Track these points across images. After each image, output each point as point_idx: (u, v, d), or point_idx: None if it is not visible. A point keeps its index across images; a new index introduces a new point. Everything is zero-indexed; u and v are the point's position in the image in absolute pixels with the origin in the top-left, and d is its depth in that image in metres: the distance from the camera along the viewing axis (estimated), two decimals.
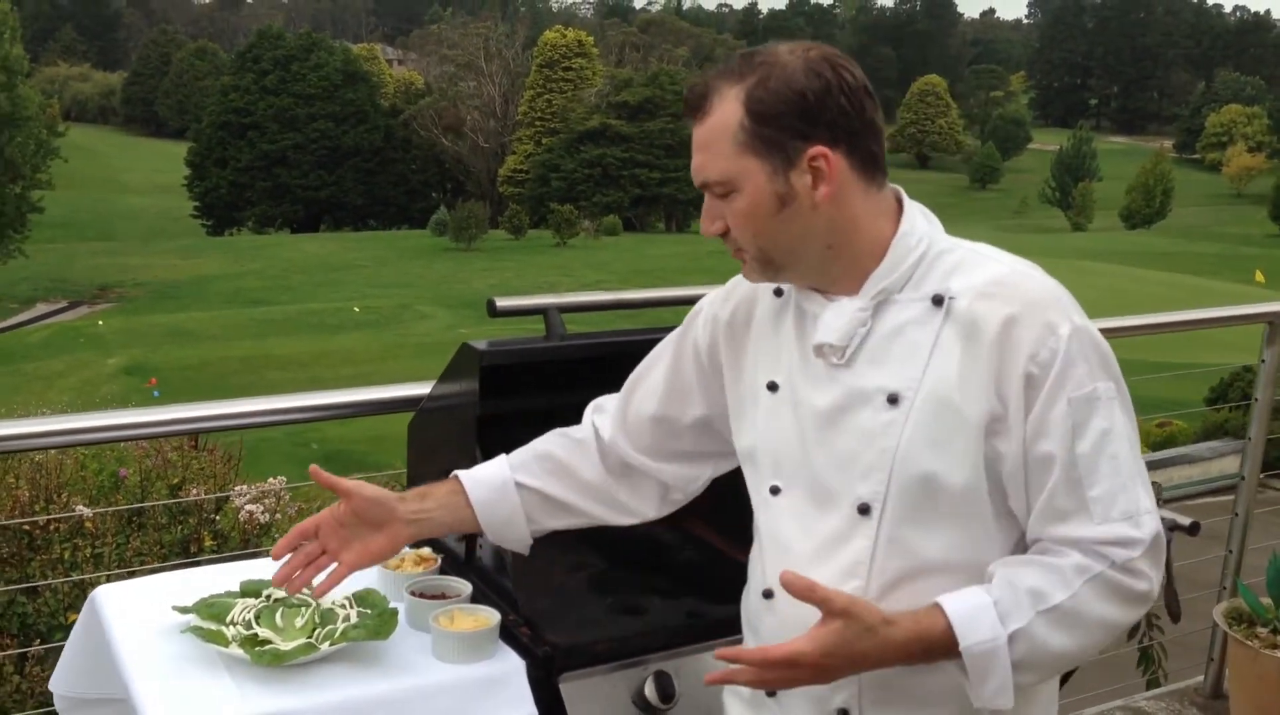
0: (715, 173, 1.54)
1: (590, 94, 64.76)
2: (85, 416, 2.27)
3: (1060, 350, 1.47)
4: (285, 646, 1.72)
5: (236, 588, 1.91)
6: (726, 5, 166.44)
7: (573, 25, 78.69)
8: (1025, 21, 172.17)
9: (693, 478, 1.85)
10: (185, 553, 4.48)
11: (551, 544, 2.13)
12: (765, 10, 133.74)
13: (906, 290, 1.55)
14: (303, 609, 1.81)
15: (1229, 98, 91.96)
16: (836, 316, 1.57)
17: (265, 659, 1.70)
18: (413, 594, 1.89)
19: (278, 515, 4.48)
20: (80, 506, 4.20)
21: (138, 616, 1.88)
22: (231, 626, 1.78)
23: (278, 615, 1.79)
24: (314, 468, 1.72)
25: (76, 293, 42.88)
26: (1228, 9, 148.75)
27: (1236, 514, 3.58)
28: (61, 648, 3.25)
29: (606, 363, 2.08)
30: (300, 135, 65.14)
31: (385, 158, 67.32)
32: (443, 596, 1.90)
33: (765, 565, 1.67)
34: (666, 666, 1.88)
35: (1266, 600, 3.46)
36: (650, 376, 1.84)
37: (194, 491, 4.62)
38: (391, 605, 1.86)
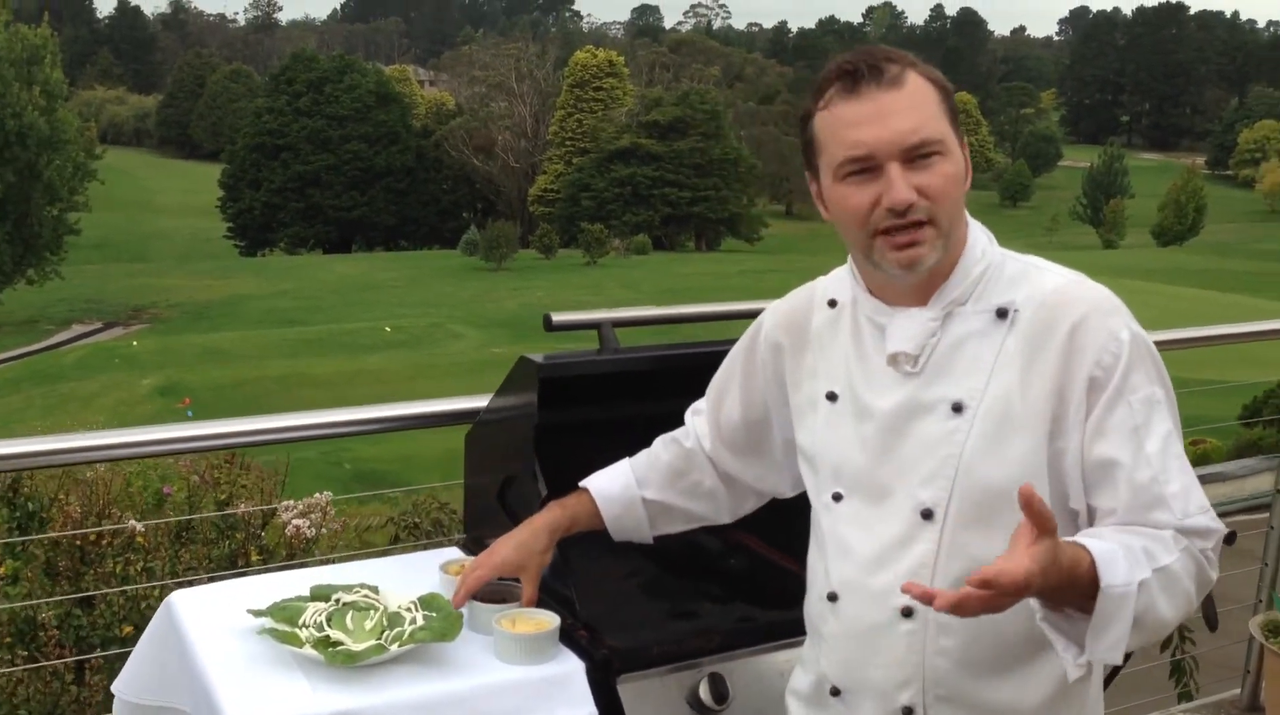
0: (935, 130, 1.57)
1: (621, 113, 65.05)
2: (137, 431, 2.35)
3: (1123, 355, 1.54)
4: (357, 647, 1.80)
5: (305, 592, 1.99)
6: (756, 24, 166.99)
7: (603, 45, 79.19)
8: (1056, 39, 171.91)
9: (780, 481, 1.94)
10: (233, 566, 4.57)
11: (607, 551, 2.21)
12: (795, 29, 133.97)
13: (970, 302, 1.62)
14: (371, 612, 1.89)
15: (1262, 113, 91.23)
16: (909, 325, 1.63)
17: (339, 659, 1.77)
18: (474, 597, 1.97)
19: (323, 529, 4.57)
20: (132, 520, 4.30)
21: (213, 619, 1.96)
22: (304, 629, 1.85)
23: (348, 618, 1.87)
24: (456, 600, 1.92)
25: (111, 314, 43.37)
26: (1261, 24, 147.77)
27: (1272, 528, 3.61)
28: (118, 657, 3.35)
29: (660, 375, 2.16)
30: (333, 156, 65.71)
31: (417, 178, 67.80)
32: (502, 600, 1.97)
33: (828, 568, 1.73)
34: (720, 668, 1.95)
35: None
36: (730, 391, 1.92)
37: (241, 507, 4.72)
38: (458, 609, 1.93)
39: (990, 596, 1.34)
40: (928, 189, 1.56)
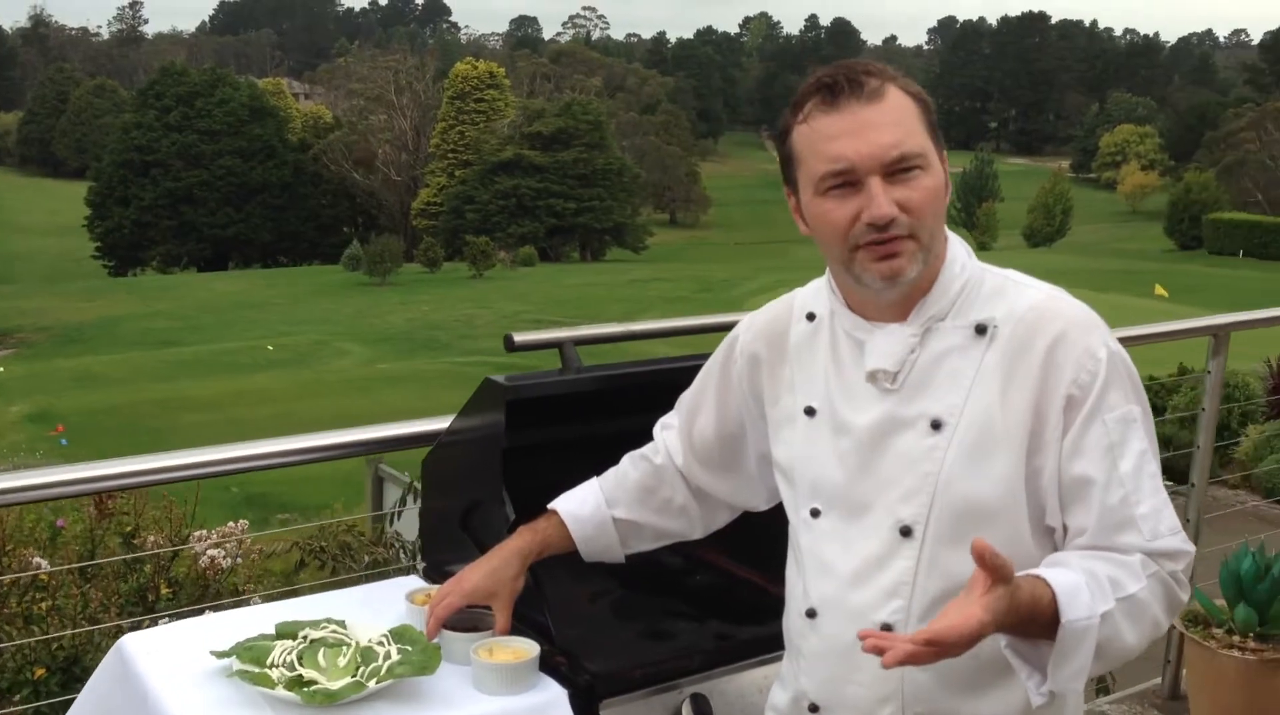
0: (915, 144, 1.56)
1: (503, 125, 64.76)
2: (95, 465, 2.24)
3: (1100, 373, 1.55)
4: (334, 686, 1.73)
5: (265, 630, 1.91)
6: (635, 35, 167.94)
7: (483, 57, 78.73)
8: (926, 48, 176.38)
9: (754, 495, 1.93)
10: (143, 602, 4.39)
11: (572, 573, 2.17)
12: (674, 39, 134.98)
13: (950, 318, 1.62)
14: (343, 648, 1.82)
15: (1121, 118, 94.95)
16: (888, 342, 1.62)
17: (317, 699, 1.71)
18: (444, 627, 1.91)
19: (239, 559, 4.41)
20: (37, 559, 4.10)
21: (171, 662, 1.87)
22: (274, 669, 1.78)
23: (320, 655, 1.80)
24: (429, 630, 1.88)
25: None
26: (1118, 32, 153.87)
27: (1188, 520, 3.73)
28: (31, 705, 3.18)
29: (625, 393, 2.13)
30: (206, 172, 64.09)
31: (295, 193, 66.49)
32: (474, 628, 1.92)
33: (807, 585, 1.72)
34: (701, 688, 1.93)
35: (1220, 602, 3.61)
36: (704, 405, 1.90)
37: (150, 539, 4.54)
38: (431, 640, 1.88)
39: (939, 651, 1.35)
40: (908, 203, 1.55)
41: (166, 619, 4.04)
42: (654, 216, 74.72)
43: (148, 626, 3.98)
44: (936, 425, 1.59)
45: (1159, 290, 37.07)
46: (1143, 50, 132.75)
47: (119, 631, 3.94)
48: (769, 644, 1.98)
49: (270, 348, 34.92)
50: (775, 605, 2.08)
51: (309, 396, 27.44)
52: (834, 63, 1.63)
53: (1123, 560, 1.52)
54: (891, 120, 1.55)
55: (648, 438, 1.99)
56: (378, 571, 5.18)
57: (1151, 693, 3.88)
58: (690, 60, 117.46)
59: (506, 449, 2.02)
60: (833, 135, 1.56)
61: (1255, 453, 9.20)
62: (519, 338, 2.15)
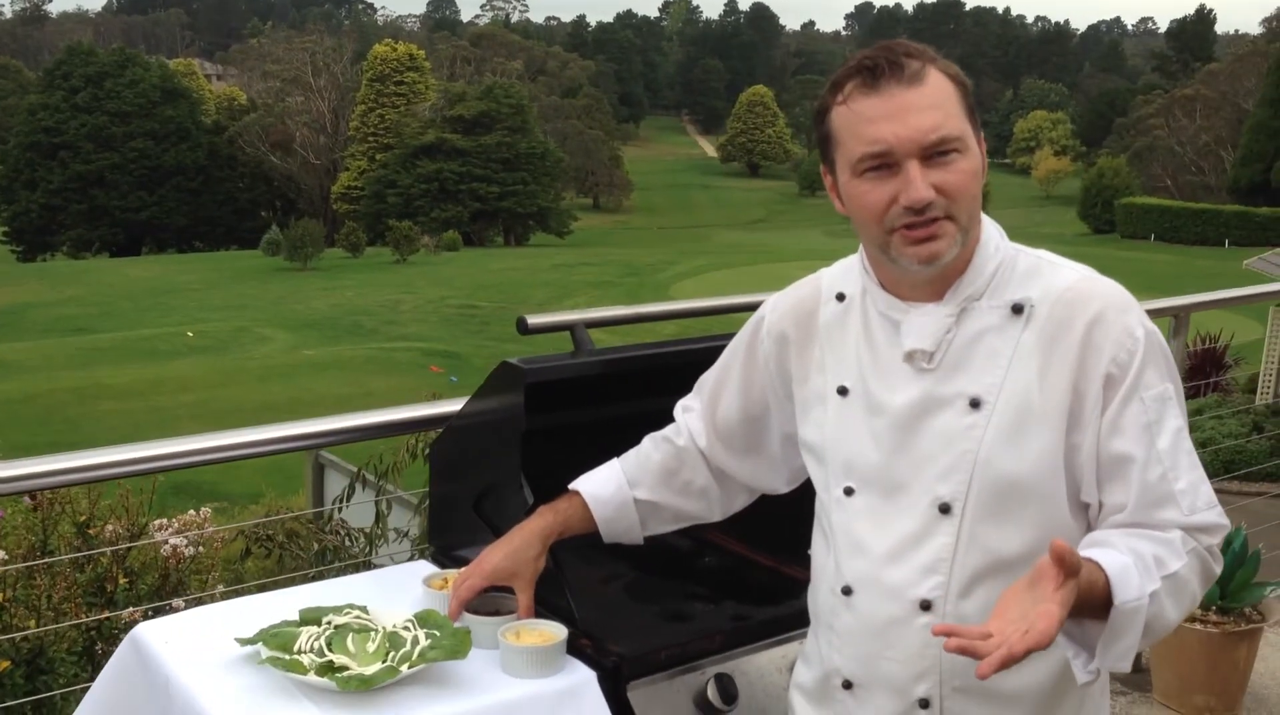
0: (955, 128, 1.56)
1: (424, 108, 64.07)
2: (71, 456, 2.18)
3: (1138, 352, 1.58)
4: (368, 671, 1.72)
5: (285, 616, 1.89)
6: (555, 18, 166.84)
7: (401, 39, 77.73)
8: (844, 33, 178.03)
9: (776, 477, 1.94)
10: (101, 593, 4.30)
11: (585, 556, 2.18)
12: (594, 23, 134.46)
13: (985, 297, 1.64)
14: (371, 633, 1.81)
15: (1034, 104, 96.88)
16: (925, 321, 1.64)
17: (353, 685, 1.69)
18: (468, 611, 1.90)
19: (201, 547, 4.33)
20: None
21: (192, 651, 1.84)
22: (303, 655, 1.76)
23: (348, 641, 1.78)
24: (451, 612, 1.90)
25: None
26: (1030, 19, 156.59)
27: None
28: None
29: (640, 376, 2.14)
30: (117, 155, 62.53)
31: (210, 176, 65.16)
32: (495, 611, 1.92)
33: (839, 562, 1.73)
34: (724, 669, 1.94)
35: None
36: (728, 386, 1.90)
37: (107, 527, 4.43)
38: (457, 624, 1.87)
39: (1027, 651, 1.36)
40: (946, 186, 1.56)
41: (130, 609, 3.97)
42: (577, 201, 74.55)
43: (106, 625, 3.91)
44: (975, 404, 1.61)
45: None
46: (1054, 37, 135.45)
47: (83, 628, 3.86)
48: (786, 624, 2.01)
49: (190, 334, 34.24)
50: (788, 586, 2.11)
51: (231, 383, 26.96)
52: (877, 43, 1.63)
53: (1164, 537, 1.55)
54: (931, 103, 1.55)
55: (662, 420, 1.99)
56: (329, 562, 5.13)
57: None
58: (611, 44, 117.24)
59: (524, 432, 2.01)
60: (872, 118, 1.56)
61: None
62: (532, 321, 2.15)
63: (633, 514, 1.95)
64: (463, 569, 1.95)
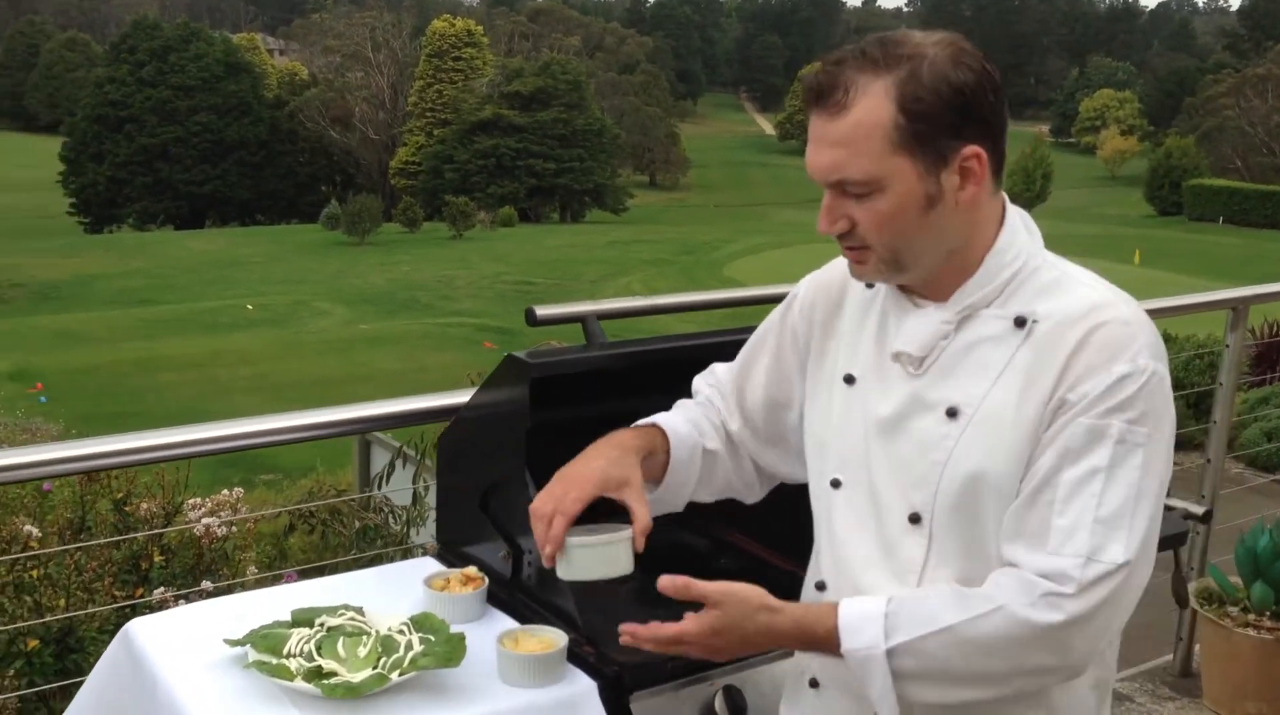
0: (857, 172, 1.46)
1: (481, 84, 64.16)
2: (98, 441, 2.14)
3: (1103, 386, 1.44)
4: (356, 679, 1.65)
5: (278, 615, 1.83)
6: None
7: (460, 14, 77.89)
8: (906, 10, 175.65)
9: (797, 466, 1.80)
10: (136, 570, 4.31)
11: None
12: None
13: (994, 306, 1.53)
14: (363, 637, 1.74)
15: (1101, 82, 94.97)
16: (920, 325, 1.56)
17: (339, 692, 1.63)
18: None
19: (233, 528, 4.32)
20: (28, 526, 3.99)
21: (181, 651, 1.79)
22: (292, 659, 1.70)
23: (339, 645, 1.72)
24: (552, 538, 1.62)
25: None
26: None
27: (1204, 495, 3.68)
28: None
29: (651, 369, 2.05)
30: (181, 128, 63.29)
31: (271, 151, 65.79)
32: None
33: (821, 557, 1.69)
34: (733, 680, 1.86)
35: (1235, 579, 3.57)
36: (756, 365, 1.81)
37: (142, 505, 4.44)
38: (453, 629, 1.80)
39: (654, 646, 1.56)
40: (857, 221, 1.50)
41: (162, 589, 3.97)
42: (633, 178, 74.35)
43: (143, 598, 3.91)
44: (952, 413, 1.52)
45: (1136, 257, 37.21)
46: (1122, 15, 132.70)
47: (115, 602, 3.87)
48: None
49: (249, 307, 34.66)
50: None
51: (289, 357, 27.26)
52: (866, 39, 1.51)
53: (964, 592, 1.46)
54: (841, 140, 1.46)
55: None
56: (370, 540, 5.11)
57: (1163, 670, 3.84)
58: (669, 20, 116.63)
59: (529, 428, 1.93)
60: (809, 137, 1.52)
61: (1239, 421, 9.21)
62: (541, 312, 2.06)
63: (698, 463, 1.76)
64: (542, 493, 1.63)
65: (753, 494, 1.88)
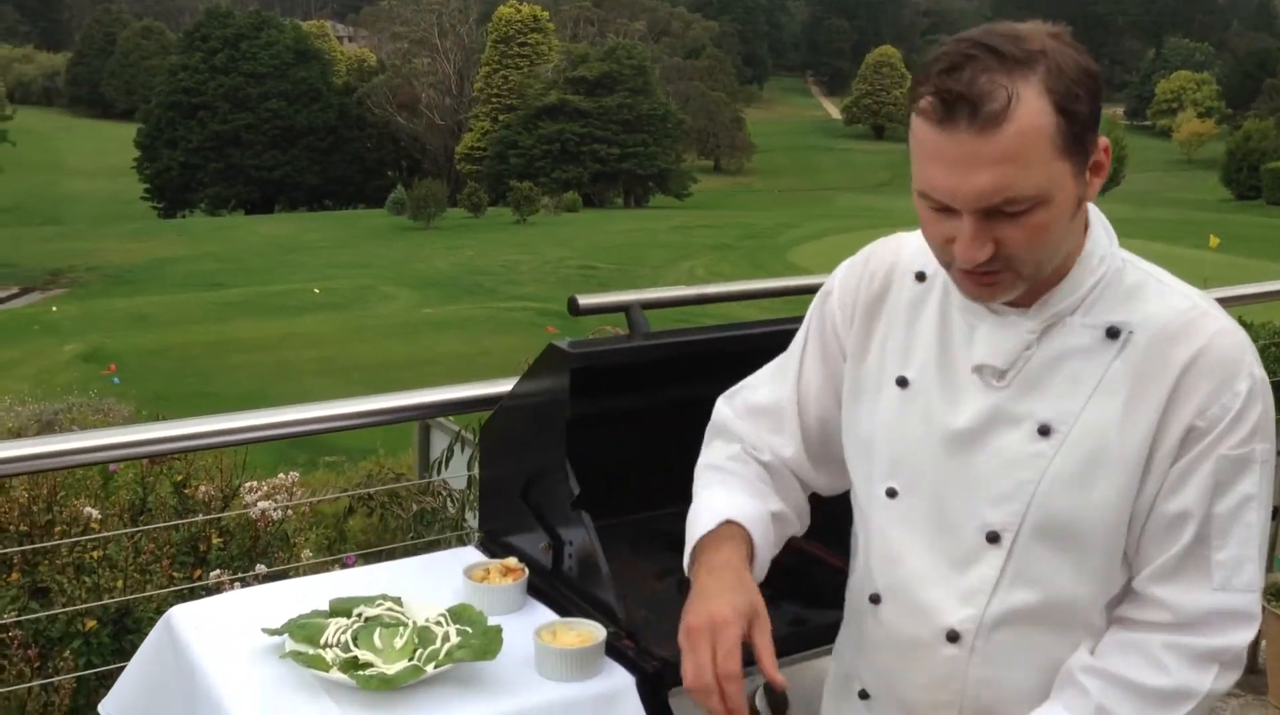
0: (1028, 188, 1.31)
1: (547, 69, 64.27)
2: (151, 427, 2.16)
3: (1234, 407, 1.38)
4: (390, 670, 1.65)
5: (317, 605, 1.83)
6: None
7: (525, 0, 78.02)
8: None
9: (846, 479, 1.70)
10: (194, 552, 4.37)
11: (630, 547, 2.07)
12: None
13: (1079, 314, 1.44)
14: (400, 628, 1.73)
15: (1178, 64, 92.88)
16: (1001, 335, 1.46)
17: (374, 684, 1.62)
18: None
19: (289, 511, 4.36)
20: (89, 508, 4.06)
21: (220, 638, 1.80)
22: (328, 649, 1.69)
23: (375, 636, 1.71)
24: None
25: (27, 279, 42.04)
26: None
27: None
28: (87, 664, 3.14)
29: (693, 361, 2.02)
30: (252, 115, 64.25)
31: (339, 137, 66.56)
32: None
33: (873, 567, 1.60)
34: None
35: None
36: (809, 375, 1.68)
37: (201, 488, 4.50)
38: (491, 621, 1.78)
39: None
40: (1008, 243, 1.35)
41: (217, 571, 4.02)
42: (698, 163, 74.09)
43: (197, 582, 3.96)
44: (1045, 431, 1.43)
45: (1212, 242, 36.32)
46: None
47: (172, 585, 3.92)
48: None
49: (316, 291, 35.12)
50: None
51: (355, 340, 27.58)
52: (972, 34, 1.36)
53: (1155, 688, 1.40)
54: (1004, 156, 1.30)
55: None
56: (427, 526, 5.14)
57: None
58: (735, 4, 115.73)
59: (570, 418, 1.90)
60: (935, 156, 1.33)
61: None
62: (584, 301, 2.03)
63: (772, 532, 1.63)
64: (691, 661, 1.49)
65: (804, 523, 1.73)
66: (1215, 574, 1.38)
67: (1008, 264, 1.37)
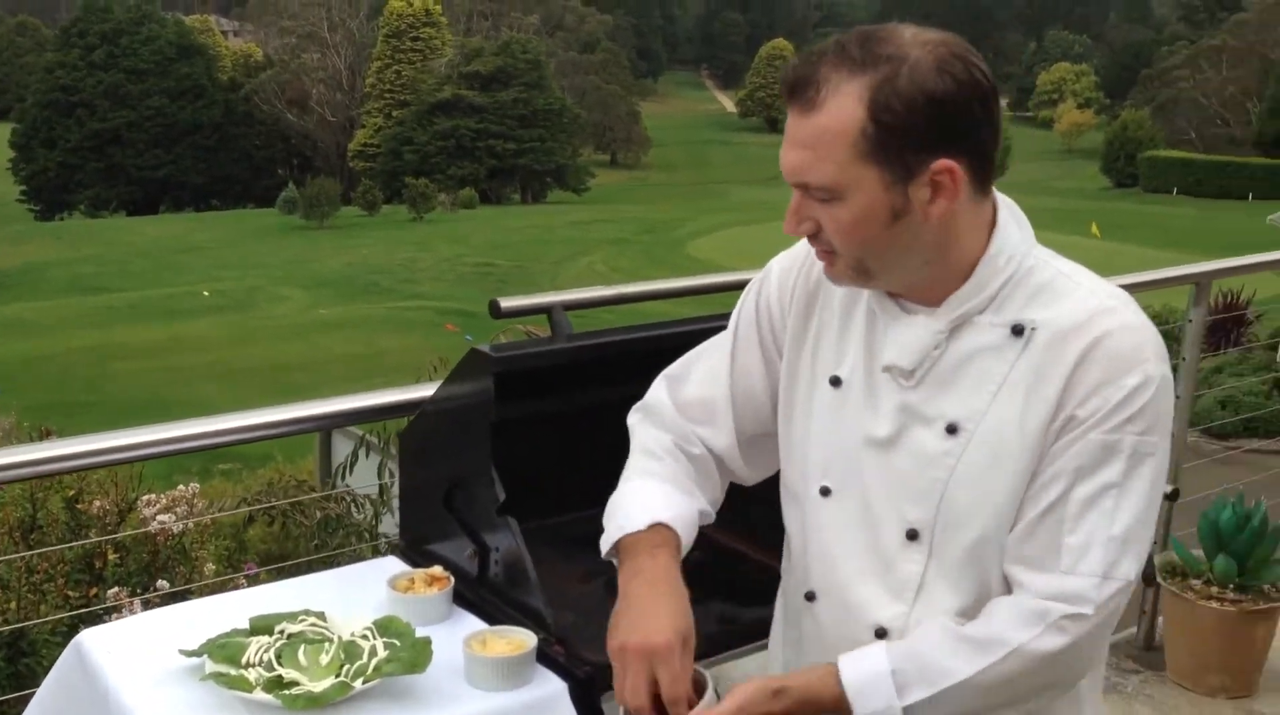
0: (820, 177, 1.39)
1: (440, 64, 63.57)
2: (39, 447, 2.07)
3: (1114, 400, 1.40)
4: (317, 688, 1.60)
5: (236, 623, 1.77)
6: None
7: None
8: None
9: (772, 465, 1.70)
10: (89, 570, 4.22)
11: (555, 550, 2.05)
12: None
13: (987, 313, 1.46)
14: (325, 644, 1.69)
15: (1058, 56, 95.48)
16: (909, 335, 1.48)
17: (299, 704, 1.57)
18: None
19: (190, 523, 4.23)
20: None
21: (137, 663, 1.73)
22: (251, 669, 1.64)
23: (300, 653, 1.66)
24: None
25: None
26: None
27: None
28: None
29: (617, 362, 2.00)
30: (133, 113, 62.35)
31: (226, 134, 64.97)
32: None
33: (809, 567, 1.61)
34: (709, 675, 1.81)
35: (1198, 552, 3.58)
36: (748, 367, 1.66)
37: (95, 503, 4.35)
38: (418, 632, 1.75)
39: None
40: (820, 225, 1.43)
41: (116, 589, 3.88)
42: (594, 157, 74.03)
43: (97, 599, 3.82)
44: (953, 429, 1.46)
45: (1094, 229, 37.48)
46: None
47: (68, 604, 3.78)
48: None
49: (205, 293, 34.28)
50: (777, 582, 1.97)
51: (247, 343, 27.01)
52: (851, 31, 1.42)
53: (972, 638, 1.42)
54: (810, 141, 1.39)
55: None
56: (331, 534, 5.03)
57: (1127, 643, 3.85)
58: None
59: (494, 423, 1.88)
60: (785, 131, 1.46)
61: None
62: (505, 304, 2.01)
63: (694, 530, 1.63)
64: (627, 683, 1.48)
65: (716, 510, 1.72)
66: (1064, 557, 1.41)
67: (830, 246, 1.45)
